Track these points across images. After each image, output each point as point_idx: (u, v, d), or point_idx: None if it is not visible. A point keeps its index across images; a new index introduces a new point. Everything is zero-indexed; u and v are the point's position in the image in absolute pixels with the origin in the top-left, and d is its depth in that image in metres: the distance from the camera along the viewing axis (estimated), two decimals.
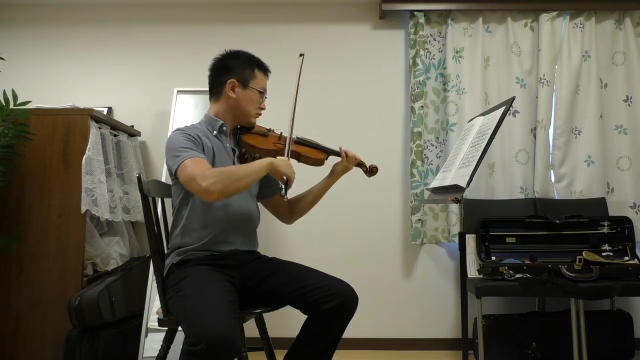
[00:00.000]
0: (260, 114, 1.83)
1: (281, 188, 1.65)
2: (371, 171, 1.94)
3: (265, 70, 1.83)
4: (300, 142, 1.86)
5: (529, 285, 2.22)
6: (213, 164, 1.68)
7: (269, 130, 1.85)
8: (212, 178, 1.50)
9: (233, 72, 1.76)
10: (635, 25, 2.88)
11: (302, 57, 1.85)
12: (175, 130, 1.69)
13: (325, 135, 2.86)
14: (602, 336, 2.49)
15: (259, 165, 1.61)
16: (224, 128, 1.76)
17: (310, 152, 1.84)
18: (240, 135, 1.79)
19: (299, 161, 1.82)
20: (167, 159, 1.63)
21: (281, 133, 1.85)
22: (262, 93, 1.80)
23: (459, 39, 2.89)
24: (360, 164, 1.93)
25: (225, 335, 1.29)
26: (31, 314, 2.25)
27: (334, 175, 1.88)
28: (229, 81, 1.74)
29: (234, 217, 1.70)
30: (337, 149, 1.88)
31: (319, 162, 1.85)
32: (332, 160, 1.90)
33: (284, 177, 1.63)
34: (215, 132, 1.74)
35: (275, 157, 1.79)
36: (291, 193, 1.90)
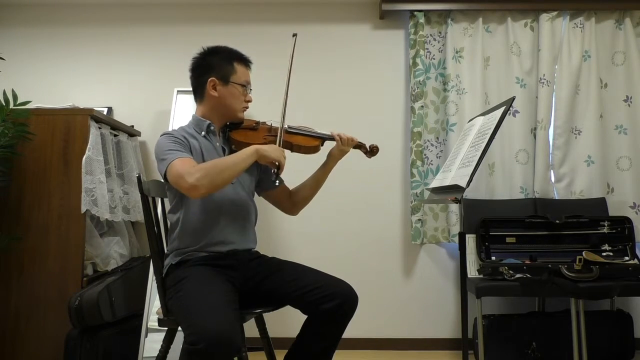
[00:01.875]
0: (247, 107, 1.81)
1: (273, 173, 1.62)
2: (371, 151, 1.89)
3: (245, 62, 1.80)
4: (292, 131, 1.81)
5: (529, 285, 2.22)
6: None
7: (258, 123, 1.82)
8: (197, 173, 1.49)
9: (212, 69, 1.73)
10: (635, 25, 2.88)
11: (295, 38, 1.80)
12: (162, 135, 1.68)
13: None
14: (602, 336, 2.49)
15: (245, 153, 1.59)
16: (212, 128, 1.75)
17: (303, 140, 1.80)
18: (229, 132, 1.77)
19: (292, 151, 1.79)
20: (157, 164, 1.64)
21: (271, 125, 1.82)
22: (245, 86, 1.77)
23: (459, 39, 2.89)
24: (359, 145, 1.88)
25: (225, 335, 1.29)
26: (31, 314, 2.25)
27: (331, 159, 1.84)
28: (209, 80, 1.72)
29: (230, 212, 1.69)
30: (330, 134, 1.83)
31: (313, 150, 1.81)
32: (328, 146, 1.87)
33: (275, 162, 1.61)
34: (203, 133, 1.74)
35: None
36: (291, 183, 1.89)
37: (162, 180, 1.68)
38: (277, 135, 1.73)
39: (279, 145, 1.71)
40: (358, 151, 1.91)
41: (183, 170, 1.52)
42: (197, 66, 1.78)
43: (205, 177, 1.49)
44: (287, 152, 1.74)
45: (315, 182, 1.85)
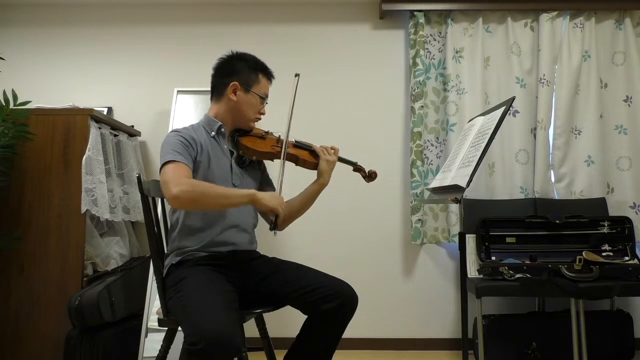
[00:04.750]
0: (259, 119, 1.82)
1: (270, 222, 1.58)
2: (370, 176, 1.93)
3: (269, 75, 1.81)
4: (299, 145, 1.84)
5: (529, 285, 2.22)
6: (208, 165, 1.68)
7: (267, 133, 1.84)
8: (184, 186, 1.49)
9: (237, 74, 1.74)
10: (635, 25, 2.88)
11: (297, 78, 1.80)
12: (171, 131, 1.69)
13: (325, 135, 2.86)
14: (602, 336, 2.49)
15: (240, 193, 1.58)
16: (222, 129, 1.76)
17: (309, 156, 1.82)
18: (238, 137, 1.78)
19: (296, 164, 1.81)
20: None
21: (279, 136, 1.84)
22: (263, 98, 1.79)
23: (459, 39, 2.89)
24: (358, 169, 1.92)
25: (225, 335, 1.29)
26: (31, 314, 2.25)
27: (322, 175, 1.80)
28: (231, 83, 1.73)
29: (231, 213, 1.69)
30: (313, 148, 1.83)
31: (316, 166, 1.82)
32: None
33: (273, 212, 1.58)
34: (213, 133, 1.74)
35: (272, 160, 1.79)
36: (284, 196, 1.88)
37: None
38: (282, 147, 1.74)
39: (283, 158, 1.71)
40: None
41: (172, 177, 1.52)
42: (222, 67, 1.79)
43: (189, 193, 1.49)
44: (290, 164, 1.76)
45: (306, 200, 1.82)
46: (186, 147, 1.63)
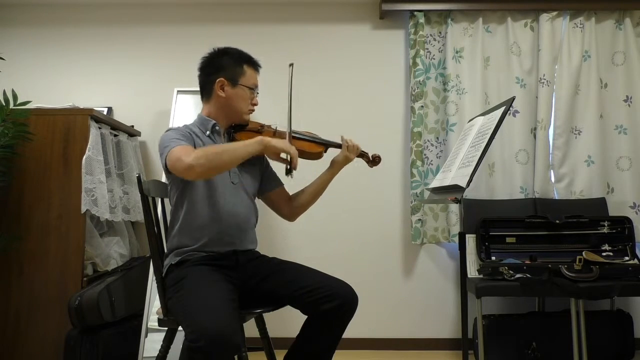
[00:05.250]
0: (253, 110, 1.81)
1: (286, 168, 1.60)
2: (374, 161, 1.93)
3: (255, 65, 1.81)
4: (297, 136, 1.82)
5: (529, 285, 2.22)
6: None
7: (263, 126, 1.83)
8: (195, 155, 1.49)
9: (222, 70, 1.74)
10: (635, 25, 2.88)
11: (291, 67, 1.79)
12: (167, 130, 1.69)
13: (325, 135, 2.86)
14: (602, 336, 2.49)
15: (250, 142, 1.59)
16: (217, 127, 1.75)
17: (308, 146, 1.81)
18: (234, 133, 1.77)
19: None
20: (160, 158, 1.63)
21: (276, 128, 1.83)
22: (252, 89, 1.78)
23: (459, 39, 2.89)
24: (362, 155, 1.91)
25: (224, 333, 1.30)
26: (31, 314, 2.25)
27: (335, 166, 1.85)
28: (217, 80, 1.73)
29: (231, 213, 1.69)
30: (338, 141, 1.87)
31: (316, 156, 1.83)
32: (332, 153, 1.89)
33: (284, 154, 1.60)
34: (208, 132, 1.74)
35: None
36: (292, 188, 1.89)
37: (166, 176, 1.69)
38: (287, 135, 1.74)
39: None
40: (360, 157, 1.93)
41: (181, 153, 1.52)
42: (206, 65, 1.78)
43: (203, 157, 1.49)
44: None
45: (317, 189, 1.85)
46: (185, 137, 1.64)
